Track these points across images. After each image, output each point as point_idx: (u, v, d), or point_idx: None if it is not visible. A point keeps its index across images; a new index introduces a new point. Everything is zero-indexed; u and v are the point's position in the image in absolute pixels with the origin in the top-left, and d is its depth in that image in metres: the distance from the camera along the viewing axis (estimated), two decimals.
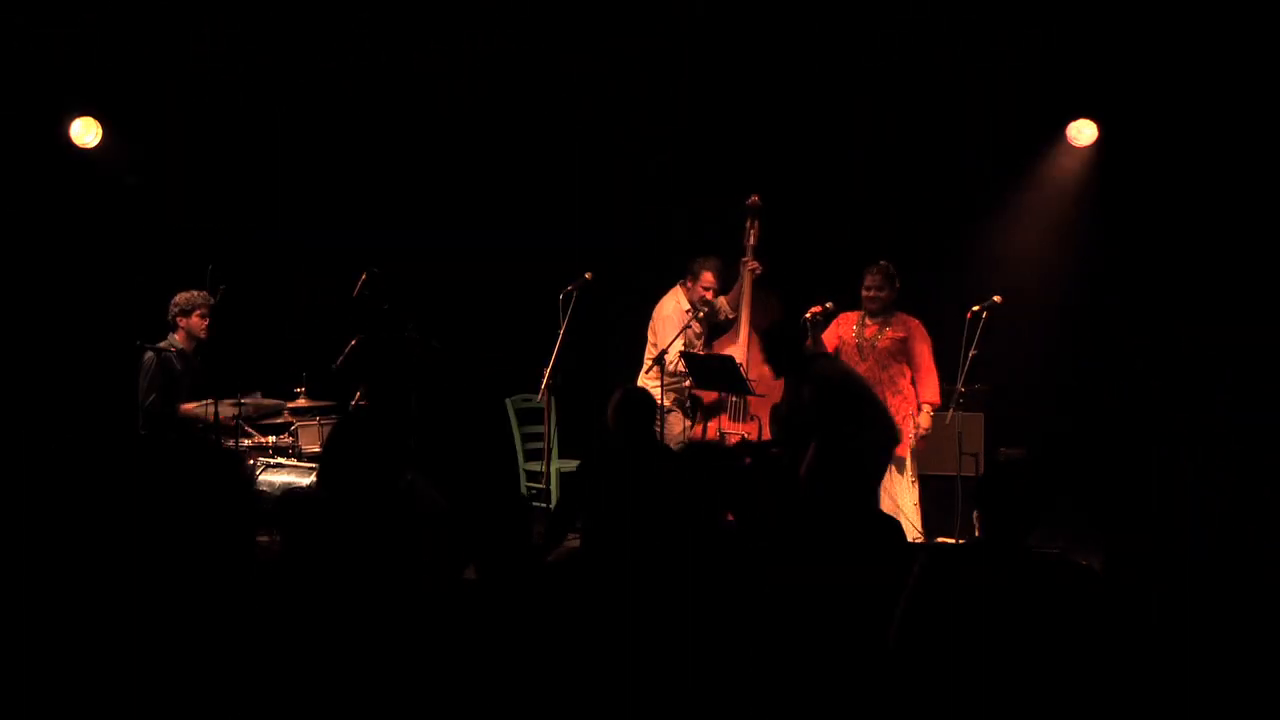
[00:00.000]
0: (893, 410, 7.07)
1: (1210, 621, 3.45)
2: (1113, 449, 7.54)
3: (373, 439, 4.11)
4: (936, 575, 3.66)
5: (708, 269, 7.61)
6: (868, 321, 7.30)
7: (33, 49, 7.83)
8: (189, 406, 6.98)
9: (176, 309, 7.16)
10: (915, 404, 7.28)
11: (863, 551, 4.14)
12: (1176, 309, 7.74)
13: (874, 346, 7.26)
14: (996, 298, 7.14)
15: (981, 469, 7.47)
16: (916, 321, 7.35)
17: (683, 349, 7.44)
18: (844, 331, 7.38)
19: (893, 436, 6.69)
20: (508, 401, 8.33)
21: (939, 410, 7.47)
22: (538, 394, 7.42)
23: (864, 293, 7.30)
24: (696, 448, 4.35)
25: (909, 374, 7.30)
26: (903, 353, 7.29)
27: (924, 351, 7.29)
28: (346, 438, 4.18)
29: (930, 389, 7.25)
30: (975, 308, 7.12)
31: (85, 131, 8.10)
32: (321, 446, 5.16)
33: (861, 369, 7.11)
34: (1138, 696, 3.40)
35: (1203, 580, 3.53)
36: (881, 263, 7.32)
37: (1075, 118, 7.96)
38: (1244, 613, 3.47)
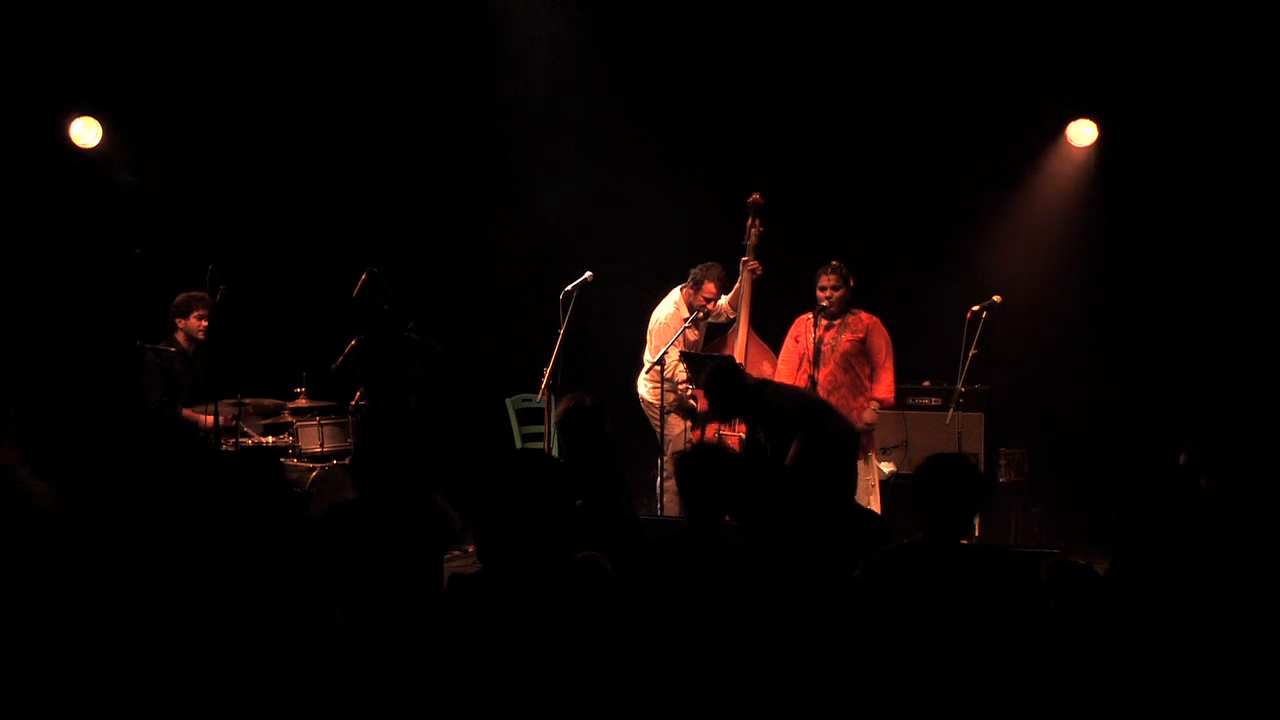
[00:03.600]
0: (858, 411, 7.06)
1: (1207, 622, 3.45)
2: (1115, 450, 7.53)
3: (404, 443, 4.15)
4: (880, 576, 3.70)
5: (710, 279, 7.58)
6: (824, 323, 7.18)
7: (33, 49, 7.83)
8: (190, 412, 6.98)
9: (174, 309, 7.16)
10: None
11: (846, 546, 4.14)
12: (1177, 308, 7.75)
13: (834, 350, 7.19)
14: (996, 298, 7.14)
15: (982, 469, 7.48)
16: (874, 318, 7.24)
17: (681, 350, 7.44)
18: (800, 334, 7.34)
19: (853, 442, 6.60)
20: (508, 401, 8.33)
21: (940, 408, 7.49)
22: (538, 394, 7.42)
23: (818, 292, 7.20)
24: (700, 450, 4.33)
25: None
26: (863, 353, 7.19)
27: (881, 348, 7.19)
28: (379, 440, 4.22)
29: (883, 386, 7.13)
30: (975, 308, 7.12)
31: (85, 131, 8.10)
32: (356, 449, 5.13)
33: (822, 374, 7.05)
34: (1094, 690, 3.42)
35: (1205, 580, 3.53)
36: (834, 262, 7.22)
37: (1075, 118, 7.96)
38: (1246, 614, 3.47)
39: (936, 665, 3.51)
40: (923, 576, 3.67)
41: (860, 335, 7.20)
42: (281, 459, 7.08)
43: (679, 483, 4.11)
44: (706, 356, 7.46)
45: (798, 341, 7.36)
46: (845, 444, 5.85)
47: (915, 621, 3.58)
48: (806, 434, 4.59)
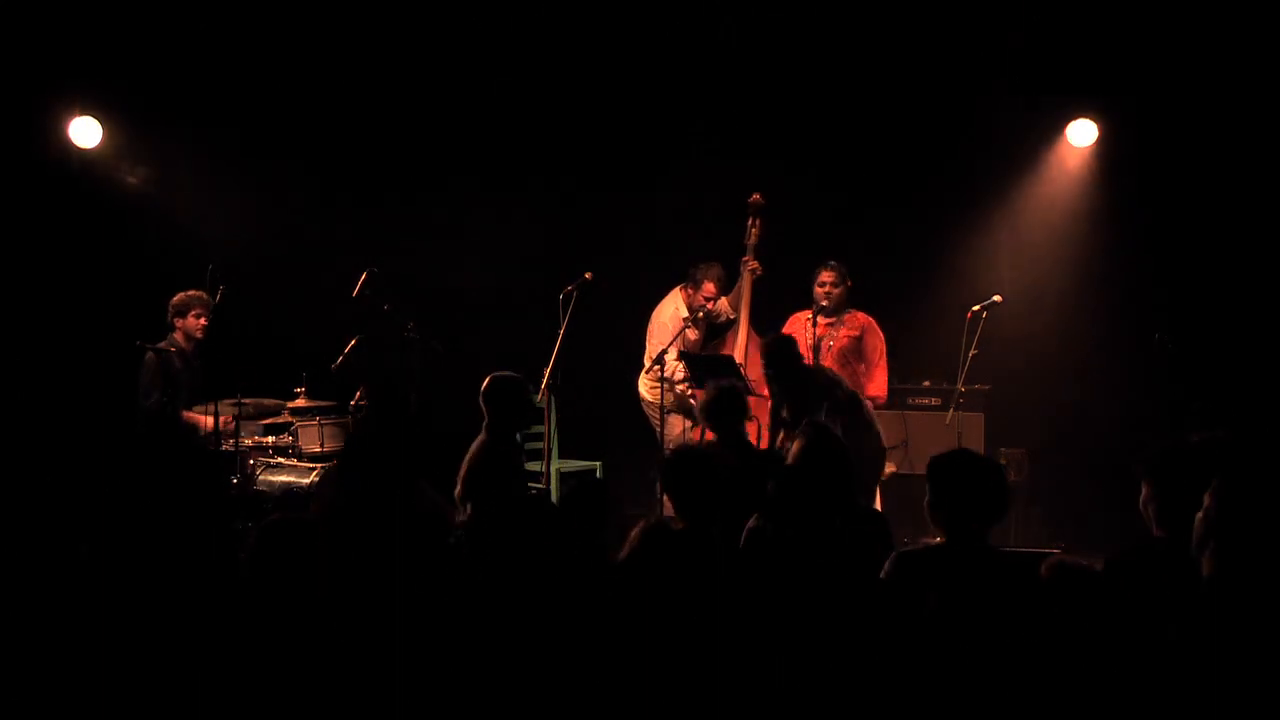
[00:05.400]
0: None
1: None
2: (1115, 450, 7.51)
3: (387, 446, 4.14)
4: (904, 575, 3.68)
5: (709, 278, 7.59)
6: (820, 320, 7.22)
7: (33, 49, 7.82)
8: (190, 414, 6.98)
9: (173, 309, 7.16)
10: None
11: (848, 545, 4.13)
12: (1178, 308, 7.74)
13: (830, 348, 7.20)
14: (996, 297, 7.15)
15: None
16: (869, 318, 7.33)
17: (681, 350, 7.44)
18: (794, 332, 7.34)
19: (881, 445, 6.69)
20: None
21: (940, 408, 7.49)
22: (538, 394, 7.41)
23: (817, 289, 7.24)
24: (680, 454, 4.33)
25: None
26: (858, 350, 7.25)
27: (876, 346, 7.26)
28: (361, 445, 4.22)
29: (876, 384, 7.21)
30: (975, 308, 7.13)
31: (85, 131, 8.09)
32: (340, 454, 5.23)
33: None
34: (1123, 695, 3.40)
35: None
36: (832, 260, 7.29)
37: (1075, 118, 7.96)
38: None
39: (963, 673, 3.48)
40: (947, 582, 3.62)
41: (856, 334, 7.25)
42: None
43: (665, 486, 4.12)
44: (706, 356, 7.47)
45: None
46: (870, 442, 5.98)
47: (939, 628, 3.54)
48: (809, 432, 4.59)
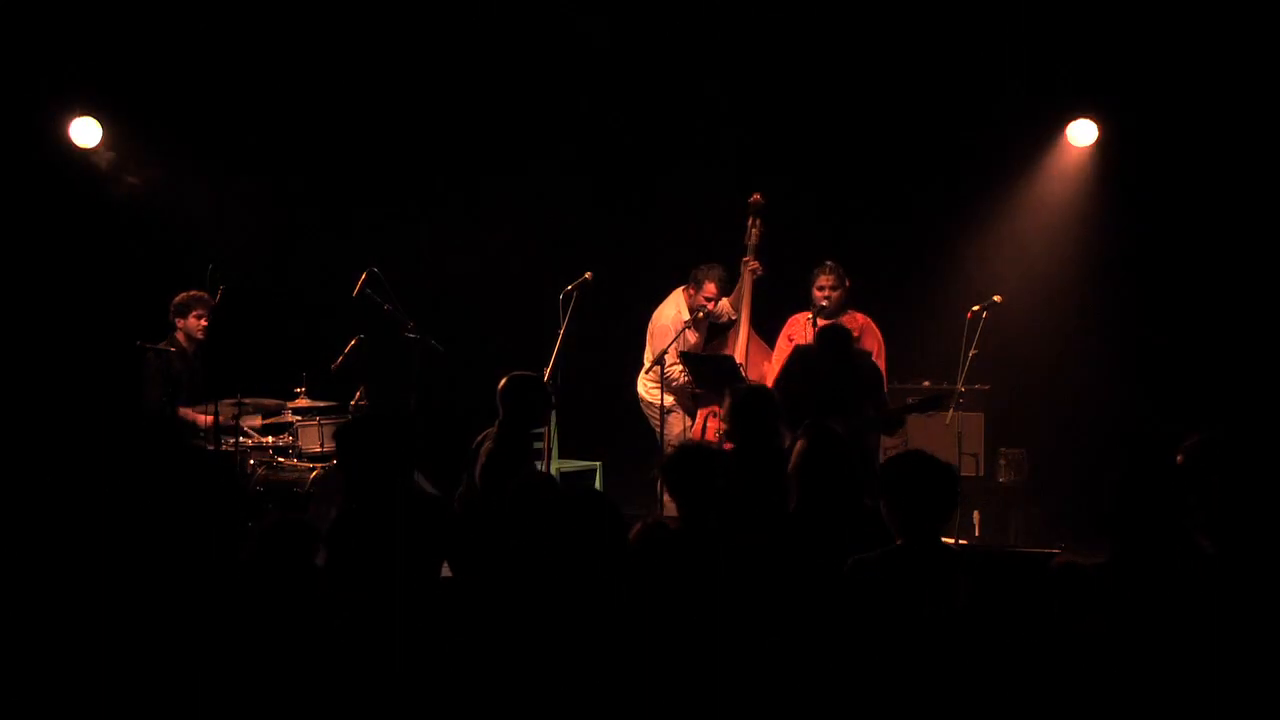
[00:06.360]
0: None
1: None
2: (1115, 449, 7.51)
3: (383, 441, 4.14)
4: (863, 579, 3.68)
5: (711, 280, 7.58)
6: (820, 323, 7.17)
7: (33, 49, 7.82)
8: (188, 411, 6.98)
9: (173, 309, 7.16)
10: None
11: (851, 546, 4.13)
12: (1178, 308, 7.75)
13: None
14: (997, 297, 7.14)
15: (982, 469, 7.48)
16: (868, 319, 7.30)
17: (681, 351, 7.43)
18: (794, 334, 7.34)
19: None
20: None
21: (942, 410, 7.49)
22: None
23: (816, 293, 7.23)
24: (683, 451, 4.31)
25: None
26: None
27: (874, 348, 7.24)
28: (358, 441, 4.22)
29: None
30: (975, 308, 7.12)
31: (85, 131, 8.09)
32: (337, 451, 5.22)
33: None
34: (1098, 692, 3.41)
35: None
36: (830, 262, 7.27)
37: (1075, 118, 7.96)
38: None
39: (927, 672, 3.49)
40: (904, 583, 3.63)
41: (855, 335, 7.22)
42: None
43: (667, 485, 4.11)
44: (706, 357, 7.47)
45: (791, 340, 7.36)
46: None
47: (899, 629, 3.56)
48: (812, 433, 4.58)
